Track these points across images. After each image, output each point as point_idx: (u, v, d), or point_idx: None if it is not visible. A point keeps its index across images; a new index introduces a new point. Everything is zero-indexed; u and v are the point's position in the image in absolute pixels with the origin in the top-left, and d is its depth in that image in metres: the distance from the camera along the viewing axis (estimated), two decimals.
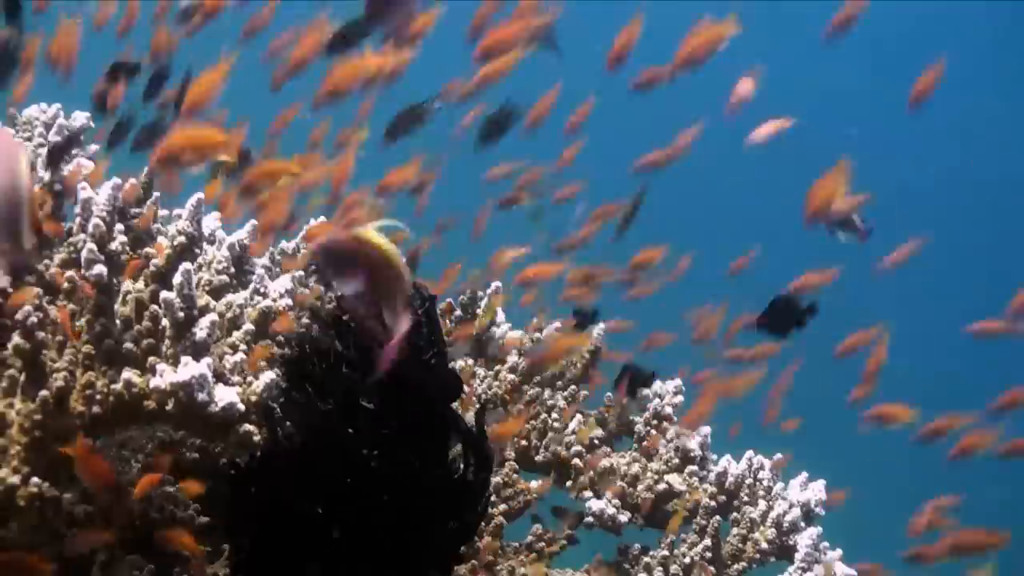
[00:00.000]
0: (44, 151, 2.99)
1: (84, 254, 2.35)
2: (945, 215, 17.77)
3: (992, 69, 20.14)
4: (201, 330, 2.28)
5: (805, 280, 3.58)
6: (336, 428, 2.22)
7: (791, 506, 3.19)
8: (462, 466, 2.32)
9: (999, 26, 20.01)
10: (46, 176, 2.67)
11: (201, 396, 2.17)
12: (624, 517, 3.13)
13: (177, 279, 2.30)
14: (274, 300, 2.49)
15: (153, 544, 2.45)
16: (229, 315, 2.38)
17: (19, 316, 2.29)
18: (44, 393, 2.25)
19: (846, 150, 3.05)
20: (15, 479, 2.23)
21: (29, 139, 3.24)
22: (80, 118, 3.30)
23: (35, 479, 2.24)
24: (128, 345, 2.34)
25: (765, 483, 3.28)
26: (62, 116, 3.31)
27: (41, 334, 2.30)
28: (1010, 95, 20.32)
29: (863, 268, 3.94)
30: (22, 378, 2.30)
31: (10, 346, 2.29)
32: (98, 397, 2.29)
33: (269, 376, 2.23)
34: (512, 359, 3.47)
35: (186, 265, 2.31)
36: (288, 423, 2.26)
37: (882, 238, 3.82)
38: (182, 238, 2.45)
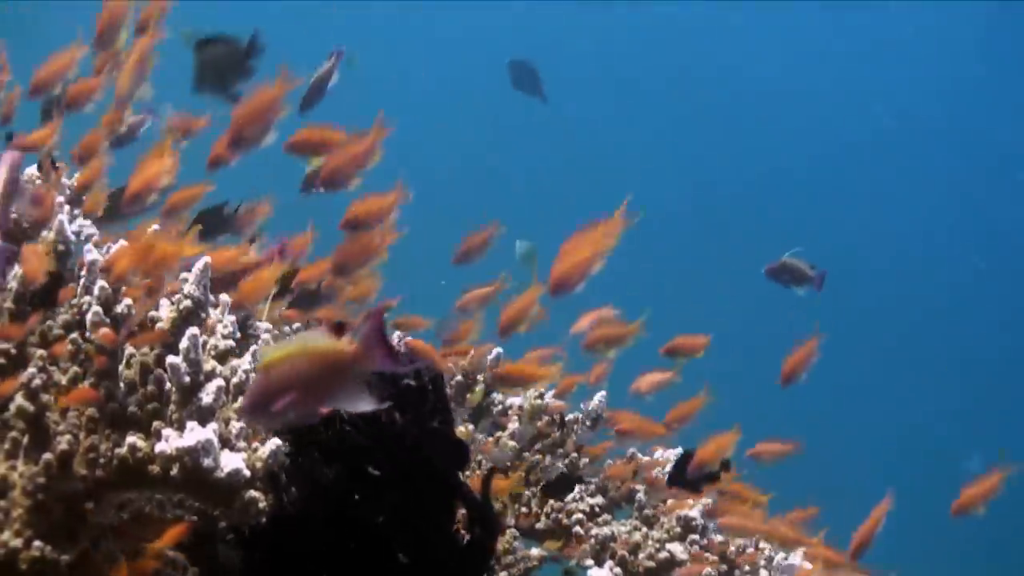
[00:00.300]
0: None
1: (90, 317, 2.34)
2: None
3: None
4: (207, 395, 2.26)
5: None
6: (343, 494, 2.21)
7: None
8: (466, 532, 2.31)
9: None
10: (50, 236, 2.67)
11: (207, 462, 2.15)
12: None
13: (184, 344, 2.29)
14: None
15: None
16: (235, 380, 2.36)
17: (23, 378, 2.28)
18: (48, 456, 2.24)
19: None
20: (18, 542, 2.21)
21: None
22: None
23: (37, 542, 2.22)
24: (133, 409, 2.33)
25: (767, 553, 3.27)
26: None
27: (46, 396, 2.29)
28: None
29: None
30: (25, 440, 2.29)
31: (13, 407, 2.28)
32: (102, 461, 2.28)
33: (275, 442, 2.22)
34: (512, 426, 3.48)
35: (193, 330, 2.30)
36: (294, 489, 2.24)
37: None
38: (188, 302, 2.44)
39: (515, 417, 3.53)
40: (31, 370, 2.30)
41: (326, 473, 2.24)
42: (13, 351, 2.42)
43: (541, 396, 3.60)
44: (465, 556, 2.24)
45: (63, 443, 2.26)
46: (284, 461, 2.22)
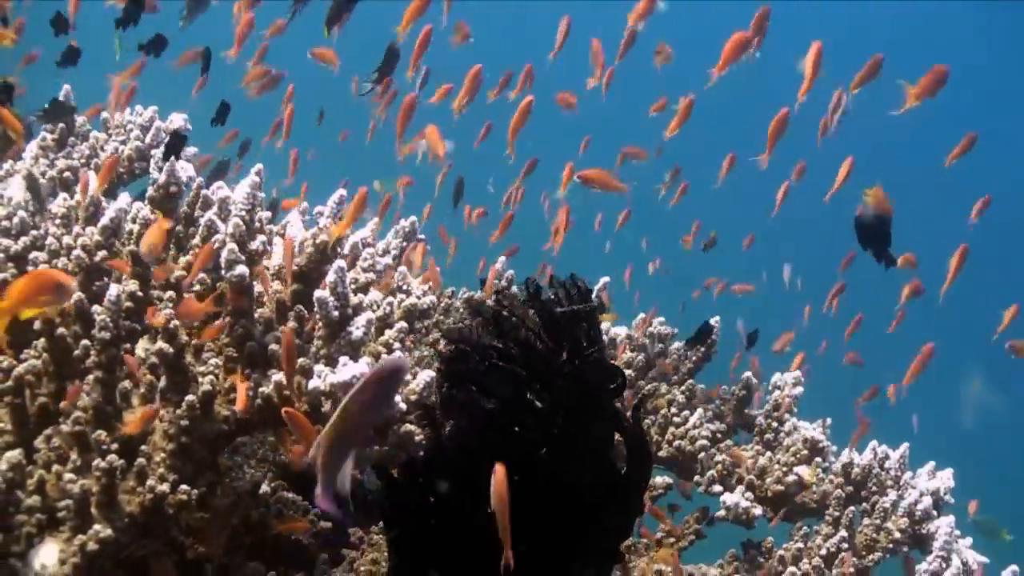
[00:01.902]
0: (157, 152, 2.94)
1: (225, 255, 2.29)
2: None
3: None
4: (358, 329, 2.21)
5: None
6: (504, 427, 2.15)
7: (922, 495, 3.10)
8: (623, 463, 2.25)
9: None
10: (161, 178, 2.61)
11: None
12: (758, 510, 3.06)
13: (331, 277, 2.24)
14: (418, 298, 2.43)
15: (269, 549, 2.41)
16: (379, 313, 2.31)
17: (159, 320, 2.23)
18: (190, 398, 2.19)
19: None
20: (164, 487, 2.17)
21: (124, 142, 3.19)
22: (177, 120, 3.25)
23: (183, 486, 2.18)
24: (273, 347, 2.28)
25: (892, 472, 3.20)
26: (158, 119, 3.27)
27: (184, 337, 2.25)
28: None
29: None
30: (162, 383, 2.25)
31: (151, 351, 2.24)
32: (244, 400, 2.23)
33: (428, 375, 2.16)
34: (627, 355, 3.42)
35: (339, 262, 2.24)
36: (451, 422, 2.19)
37: None
38: (324, 236, 2.38)
39: (625, 346, 3.47)
40: (166, 311, 2.25)
41: (483, 404, 2.18)
42: (140, 294, 2.37)
43: (649, 324, 3.54)
44: (625, 487, 2.18)
45: (205, 383, 2.21)
46: (438, 393, 2.16)
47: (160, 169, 2.64)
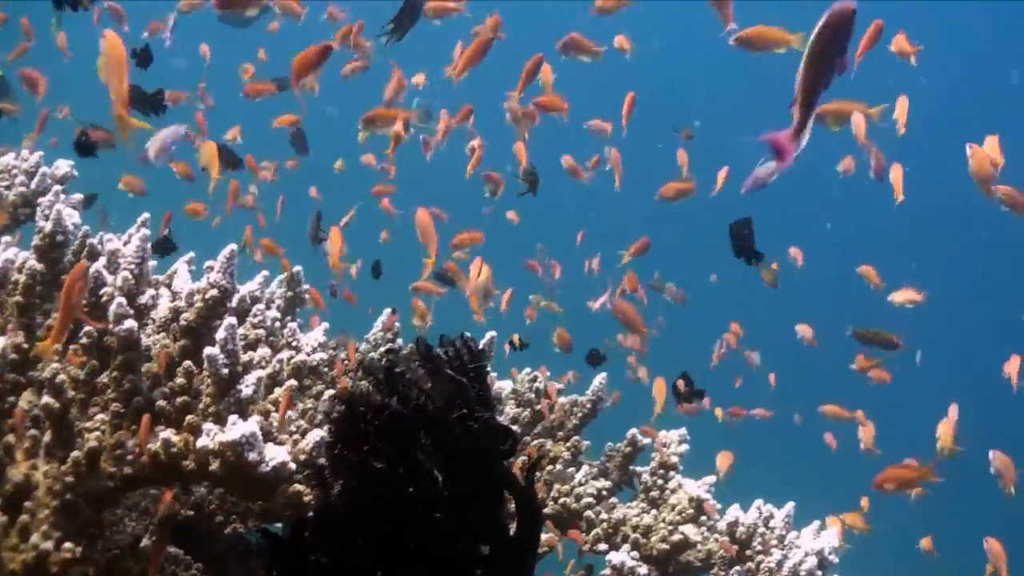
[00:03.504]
0: (44, 199, 2.89)
1: (114, 308, 2.25)
2: None
3: None
4: (247, 387, 2.19)
5: None
6: (394, 487, 2.15)
7: (807, 555, 3.14)
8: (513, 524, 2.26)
9: None
10: (47, 227, 2.57)
11: (252, 455, 2.08)
12: (644, 569, 3.07)
13: (221, 334, 2.22)
14: (308, 355, 2.41)
15: None
16: (268, 371, 2.29)
17: (47, 374, 2.20)
18: (76, 454, 2.16)
19: None
20: (48, 544, 2.13)
21: (9, 188, 3.14)
22: (63, 166, 3.20)
23: (68, 544, 2.14)
24: (161, 403, 2.25)
25: (777, 532, 3.24)
26: (44, 165, 3.22)
27: (70, 392, 2.21)
28: None
29: None
30: (47, 438, 2.21)
31: (38, 405, 2.20)
32: (130, 457, 2.20)
33: (317, 434, 2.15)
34: (511, 410, 3.43)
35: (230, 320, 2.22)
36: (340, 482, 2.18)
37: None
38: (215, 291, 2.36)
39: (510, 401, 3.48)
40: (53, 366, 2.21)
41: (373, 464, 2.17)
42: (26, 346, 2.33)
43: (535, 379, 3.55)
44: (515, 551, 2.19)
45: (91, 439, 2.18)
46: (328, 453, 2.16)
47: (46, 217, 2.60)
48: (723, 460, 4.23)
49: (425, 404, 2.13)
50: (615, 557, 3.04)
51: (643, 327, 4.80)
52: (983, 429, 5.18)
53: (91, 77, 2.43)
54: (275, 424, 2.20)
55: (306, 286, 3.17)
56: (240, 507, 2.52)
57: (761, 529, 3.22)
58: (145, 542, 2.43)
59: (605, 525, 3.19)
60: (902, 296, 5.70)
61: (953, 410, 4.49)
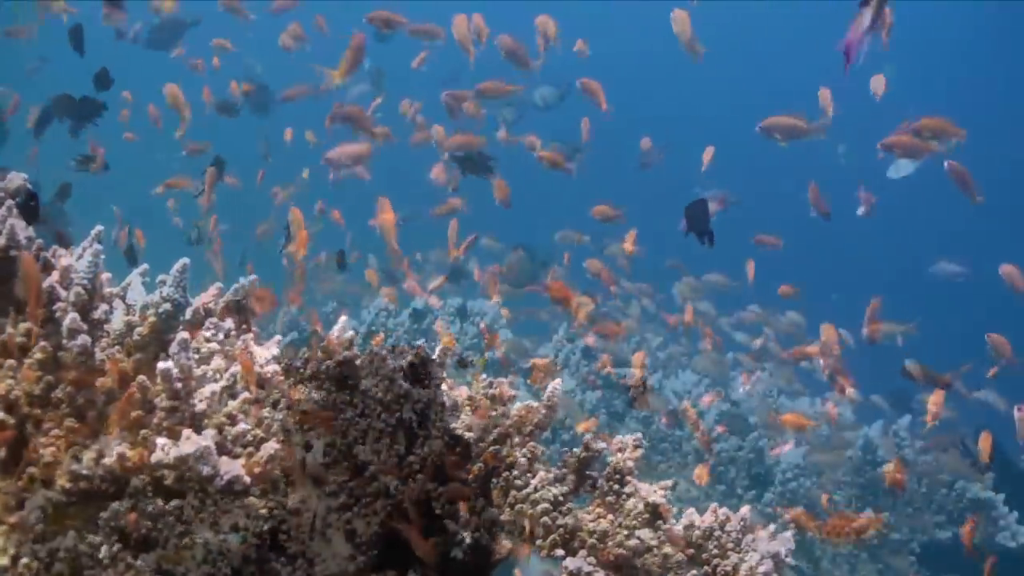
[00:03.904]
0: None
1: (67, 323, 2.26)
2: None
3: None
4: (201, 401, 2.20)
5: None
6: (345, 494, 2.18)
7: (763, 558, 3.17)
8: (468, 533, 2.29)
9: None
10: (1, 241, 2.56)
11: (205, 469, 2.09)
12: (600, 574, 3.09)
13: (174, 348, 2.23)
14: (261, 367, 2.42)
15: None
16: (223, 384, 2.30)
17: (1, 390, 2.20)
18: (32, 470, 2.16)
19: None
20: (3, 561, 2.13)
21: None
22: (16, 179, 3.20)
23: (24, 560, 2.14)
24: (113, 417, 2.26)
25: (733, 535, 3.26)
26: None
27: (24, 409, 2.21)
28: None
29: None
30: (1, 453, 2.21)
31: None
32: (85, 472, 2.20)
33: (272, 447, 2.16)
34: (465, 418, 3.43)
35: (183, 334, 2.23)
36: (296, 491, 2.21)
37: None
38: (167, 305, 2.37)
39: (466, 408, 3.48)
40: (8, 381, 2.22)
41: (328, 474, 2.20)
42: None
43: (491, 385, 3.56)
44: (469, 556, 2.22)
45: (47, 456, 2.18)
46: (283, 464, 2.17)
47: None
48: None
49: (374, 410, 2.16)
50: (571, 563, 3.06)
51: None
52: None
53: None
54: (230, 437, 2.21)
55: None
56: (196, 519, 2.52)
57: (717, 532, 3.24)
58: (103, 554, 2.43)
59: (562, 531, 3.20)
60: None
61: None
